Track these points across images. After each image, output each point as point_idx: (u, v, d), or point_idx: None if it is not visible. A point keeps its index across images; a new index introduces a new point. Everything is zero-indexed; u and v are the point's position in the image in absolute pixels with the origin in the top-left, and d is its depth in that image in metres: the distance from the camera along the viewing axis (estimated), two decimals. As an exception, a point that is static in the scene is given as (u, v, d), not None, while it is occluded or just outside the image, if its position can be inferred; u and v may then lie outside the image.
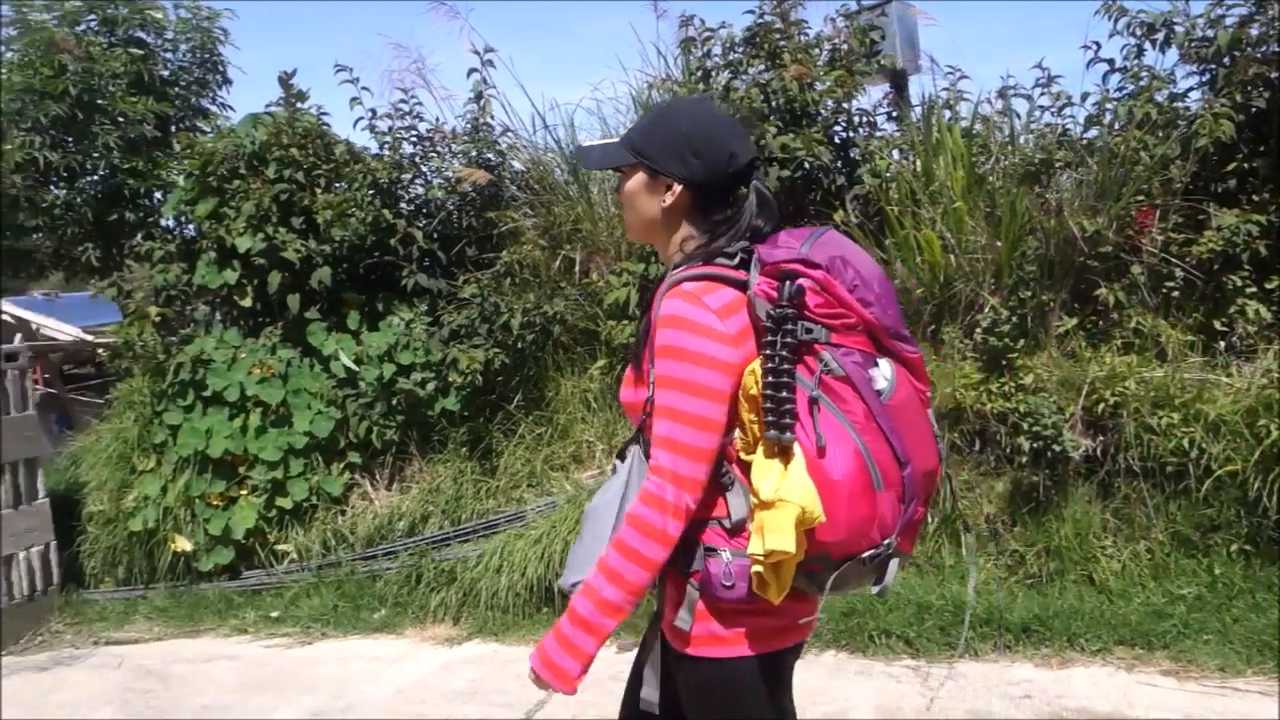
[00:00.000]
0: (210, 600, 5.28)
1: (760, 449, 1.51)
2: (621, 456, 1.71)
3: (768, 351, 1.49)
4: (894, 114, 5.72)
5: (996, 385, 4.54)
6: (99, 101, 7.02)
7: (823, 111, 5.28)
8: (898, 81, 5.71)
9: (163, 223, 6.77)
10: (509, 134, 5.96)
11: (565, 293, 5.51)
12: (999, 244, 4.83)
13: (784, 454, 1.49)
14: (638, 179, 1.70)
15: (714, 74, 5.46)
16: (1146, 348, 4.63)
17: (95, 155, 7.02)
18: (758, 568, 1.50)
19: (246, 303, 5.80)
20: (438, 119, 5.96)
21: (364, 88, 5.76)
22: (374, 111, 5.83)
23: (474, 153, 5.76)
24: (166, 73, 7.58)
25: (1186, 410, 4.33)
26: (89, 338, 9.52)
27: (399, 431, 5.50)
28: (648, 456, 1.60)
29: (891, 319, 1.58)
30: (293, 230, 5.65)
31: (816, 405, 1.49)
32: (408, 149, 5.85)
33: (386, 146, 5.80)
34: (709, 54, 5.51)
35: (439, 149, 5.84)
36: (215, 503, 5.41)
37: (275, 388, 5.48)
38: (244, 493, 5.43)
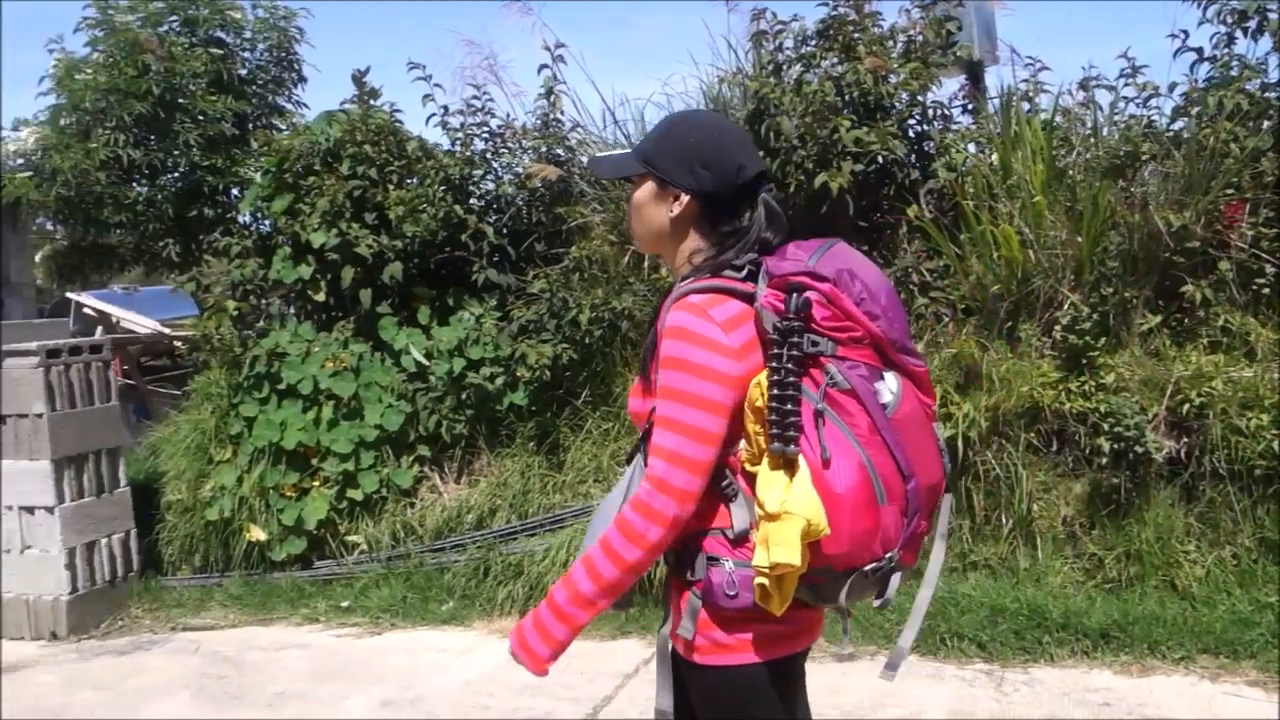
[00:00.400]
0: (283, 589, 5.36)
1: (765, 461, 1.51)
2: (629, 462, 1.74)
3: (773, 364, 1.49)
4: (969, 106, 5.60)
5: (1076, 384, 4.42)
6: (180, 100, 7.18)
7: (897, 104, 5.19)
8: (974, 73, 5.59)
9: (240, 219, 6.91)
10: (578, 129, 5.97)
11: (634, 288, 5.50)
12: (1080, 239, 4.70)
13: (789, 466, 1.49)
14: (647, 189, 1.71)
15: (785, 67, 5.40)
16: (1235, 346, 4.48)
17: (176, 153, 7.19)
18: (762, 580, 1.50)
19: (320, 297, 5.89)
20: (508, 115, 5.99)
21: (436, 85, 5.82)
22: (446, 108, 5.88)
23: (544, 148, 5.77)
24: (244, 71, 7.73)
25: (1277, 411, 4.17)
26: (166, 330, 9.76)
27: (468, 425, 5.54)
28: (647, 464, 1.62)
29: (898, 332, 1.58)
30: (365, 226, 5.72)
31: (821, 418, 1.50)
32: (479, 145, 5.89)
33: (458, 143, 5.84)
34: (781, 47, 5.45)
35: (509, 145, 5.86)
36: (288, 493, 5.51)
37: (347, 381, 5.56)
38: (316, 484, 5.52)
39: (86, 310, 11.08)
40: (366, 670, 4.38)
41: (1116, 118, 5.08)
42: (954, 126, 5.51)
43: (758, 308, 1.55)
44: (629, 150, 1.79)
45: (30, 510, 5.03)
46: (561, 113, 5.82)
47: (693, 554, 1.61)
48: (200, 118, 7.19)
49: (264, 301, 6.14)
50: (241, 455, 5.63)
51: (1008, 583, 4.35)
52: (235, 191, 7.41)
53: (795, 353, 1.49)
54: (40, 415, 4.94)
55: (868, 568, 1.52)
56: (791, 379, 1.48)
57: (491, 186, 5.96)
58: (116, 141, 6.96)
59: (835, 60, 5.27)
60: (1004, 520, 4.51)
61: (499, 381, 5.43)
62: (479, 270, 5.60)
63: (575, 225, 5.71)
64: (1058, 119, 5.20)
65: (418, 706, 3.98)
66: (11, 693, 4.37)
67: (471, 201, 5.86)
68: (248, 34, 7.81)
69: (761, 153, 5.15)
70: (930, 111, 5.43)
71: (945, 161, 5.06)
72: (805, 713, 1.79)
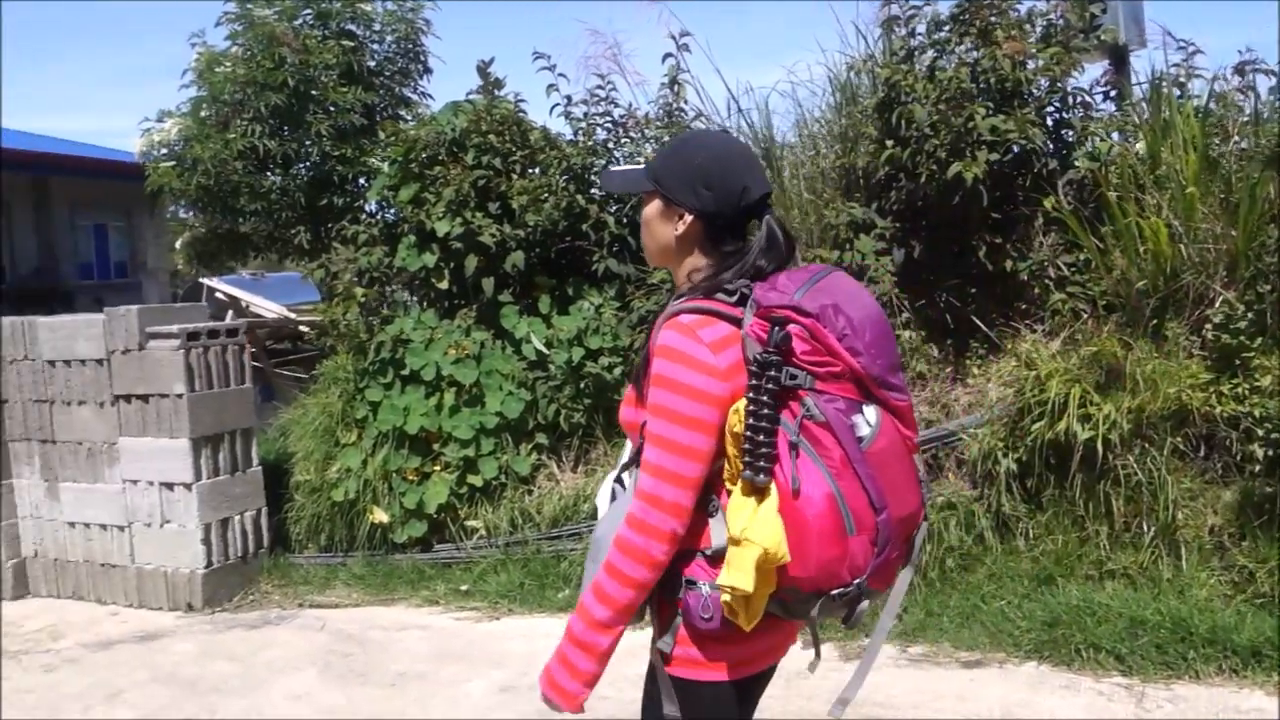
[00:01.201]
0: (404, 571, 5.47)
1: (739, 485, 1.55)
2: (620, 481, 1.79)
3: (750, 395, 1.53)
4: (1111, 93, 5.34)
5: (1228, 387, 4.17)
6: (312, 92, 7.40)
7: (1035, 91, 4.98)
8: (1118, 57, 5.33)
9: (367, 207, 7.08)
10: (701, 118, 5.91)
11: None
12: (1234, 233, 4.42)
13: (759, 493, 1.53)
14: (654, 206, 1.75)
15: (918, 54, 5.24)
16: (1407, 349, 4.15)
17: (308, 143, 7.41)
18: (726, 597, 1.55)
19: (443, 285, 5.98)
20: (630, 104, 5.97)
21: (561, 75, 5.84)
22: (569, 98, 5.89)
23: (666, 138, 5.73)
24: (373, 63, 7.92)
25: None
26: (291, 315, 10.08)
27: (586, 414, 5.55)
28: None
29: (880, 368, 1.59)
30: (489, 215, 5.78)
31: (796, 449, 1.53)
32: (601, 135, 5.88)
33: (580, 132, 5.85)
34: (913, 33, 5.28)
35: (631, 134, 5.85)
36: (410, 477, 5.61)
37: (469, 368, 5.63)
38: (437, 469, 5.61)
39: (218, 295, 11.54)
40: (485, 654, 4.42)
41: (1277, 104, 4.76)
42: (1095, 114, 5.26)
43: (743, 334, 1.58)
44: (641, 166, 1.82)
45: (170, 487, 5.24)
46: (685, 102, 5.77)
47: (675, 574, 1.64)
48: (331, 109, 7.40)
49: (389, 289, 6.26)
50: (366, 439, 5.76)
51: (1148, 593, 4.13)
52: (363, 181, 7.59)
53: (771, 386, 1.52)
54: (180, 396, 5.14)
55: (834, 592, 1.56)
56: (766, 411, 1.52)
57: None
58: (253, 132, 7.21)
59: (970, 46, 5.08)
60: (1145, 528, 4.28)
61: (617, 371, 5.42)
62: (599, 260, 5.60)
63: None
64: (1212, 105, 4.91)
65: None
66: (151, 660, 4.56)
67: (593, 191, 5.86)
68: (377, 26, 8.00)
69: (891, 142, 5.02)
70: (1070, 98, 5.20)
71: (1087, 150, 4.82)
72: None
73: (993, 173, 4.76)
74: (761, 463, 1.51)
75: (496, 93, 6.19)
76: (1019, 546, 4.46)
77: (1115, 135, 5.01)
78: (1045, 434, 4.32)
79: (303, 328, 9.39)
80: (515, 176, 5.86)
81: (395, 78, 8.00)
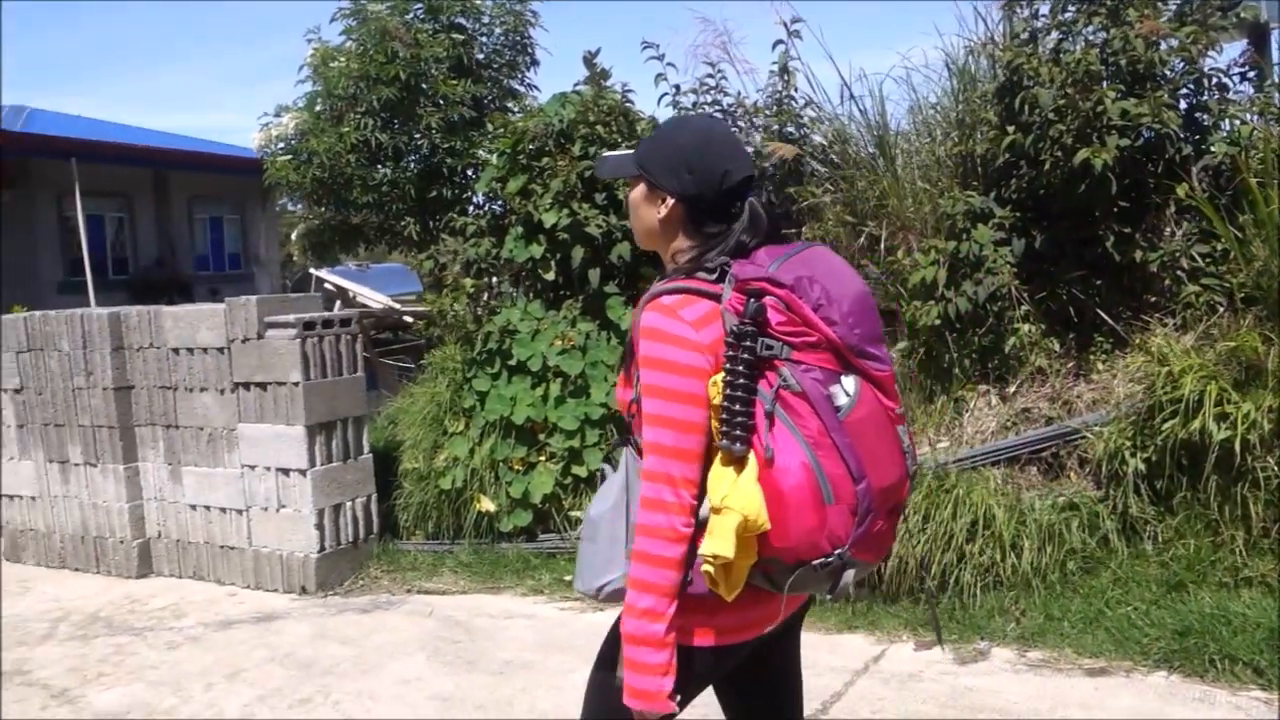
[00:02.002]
0: (509, 559, 5.51)
1: (719, 456, 1.59)
2: (609, 460, 1.86)
3: (727, 365, 1.56)
4: (1251, 73, 5.04)
5: (1382, 386, 3.90)
6: (423, 85, 7.50)
7: (1168, 73, 4.73)
8: (1259, 35, 5.03)
9: (475, 199, 7.14)
10: (812, 106, 5.79)
11: (866, 271, 5.29)
12: (1388, 221, 4.14)
13: (738, 463, 1.56)
14: (639, 190, 1.80)
15: (1041, 36, 5.03)
16: None
17: (418, 136, 7.52)
18: (707, 567, 1.57)
19: (550, 276, 5.99)
20: (739, 93, 5.89)
21: (669, 64, 5.79)
22: (678, 87, 5.84)
23: (775, 126, 5.64)
24: (482, 56, 8.00)
25: None
26: (396, 306, 10.27)
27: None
28: (639, 454, 1.71)
29: (858, 337, 1.61)
30: (595, 206, 5.77)
31: (772, 418, 1.56)
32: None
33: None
34: (1036, 14, 5.08)
35: (740, 123, 5.77)
36: (516, 467, 5.64)
37: (575, 359, 5.63)
38: (543, 459, 5.63)
39: (326, 285, 11.85)
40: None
41: None
42: (1232, 96, 4.98)
43: (722, 309, 1.62)
44: (630, 153, 1.86)
45: (285, 472, 5.37)
46: (795, 89, 5.66)
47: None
48: (441, 102, 7.49)
49: (496, 280, 6.31)
50: (473, 428, 5.81)
51: (1290, 603, 3.90)
52: (471, 173, 7.67)
53: (747, 356, 1.55)
54: (296, 384, 5.26)
55: (815, 562, 1.58)
56: (742, 381, 1.55)
57: None
58: (366, 125, 7.35)
59: (1097, 26, 4.86)
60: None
61: None
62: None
63: (806, 206, 5.55)
64: (1365, 85, 4.60)
65: None
66: (268, 640, 4.69)
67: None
68: (486, 19, 8.07)
69: (1012, 128, 4.84)
70: (1206, 80, 4.93)
71: (1225, 135, 4.57)
72: (749, 697, 1.97)
73: (1122, 159, 4.54)
74: (738, 432, 1.55)
75: (603, 83, 6.17)
76: (1147, 550, 4.26)
77: (1255, 118, 4.73)
78: (1178, 433, 4.11)
79: (406, 318, 9.56)
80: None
81: (503, 70, 8.06)
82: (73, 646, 4.76)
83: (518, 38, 8.13)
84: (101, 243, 16.76)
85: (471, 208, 6.91)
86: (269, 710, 3.93)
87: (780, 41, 5.62)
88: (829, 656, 4.10)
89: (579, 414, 5.56)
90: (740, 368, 1.55)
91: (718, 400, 1.58)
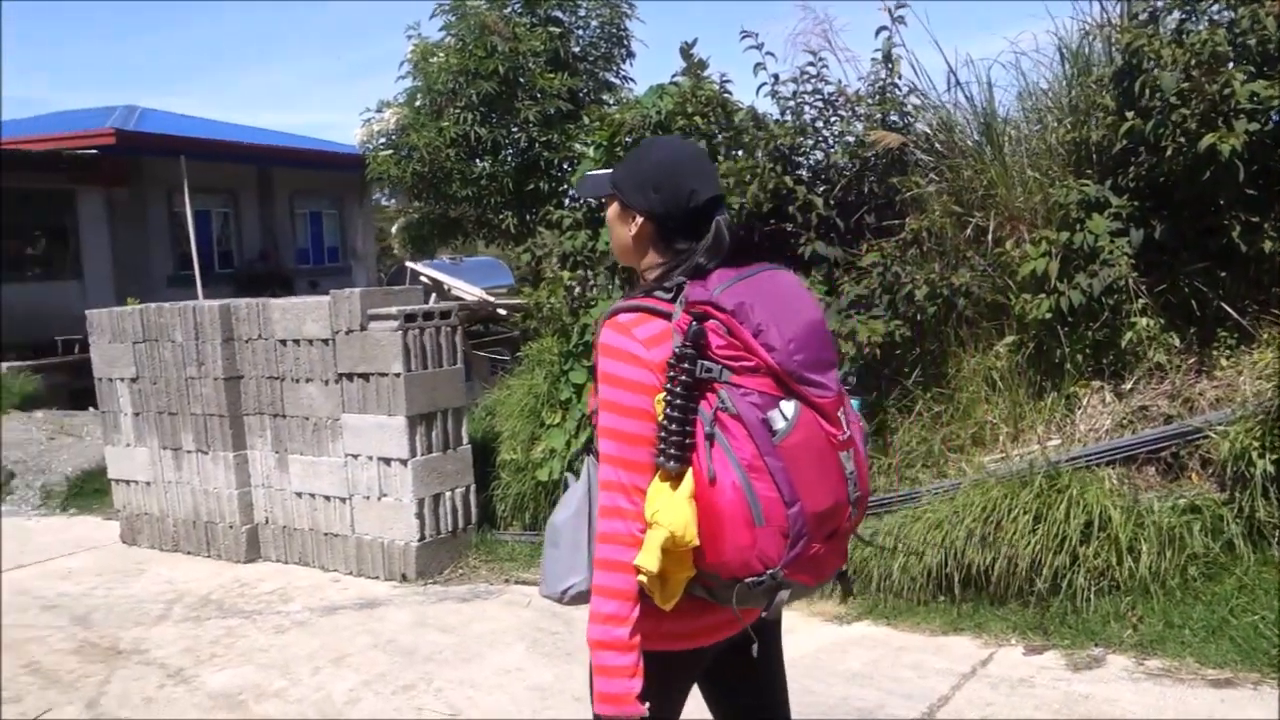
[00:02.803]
0: (606, 552, 5.50)
1: (658, 472, 1.65)
2: (571, 469, 1.94)
3: (666, 385, 1.62)
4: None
5: None
6: (521, 79, 7.54)
7: (1302, 52, 4.47)
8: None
9: (572, 192, 7.16)
10: (916, 94, 5.64)
11: (972, 263, 5.13)
12: None
13: (674, 480, 1.62)
14: (614, 208, 1.86)
15: (1162, 16, 4.81)
16: None
17: (515, 129, 7.57)
18: (641, 577, 1.63)
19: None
20: (840, 81, 5.77)
21: (768, 53, 5.70)
22: (776, 77, 5.74)
23: (878, 115, 5.51)
24: (578, 49, 8.01)
25: None
26: (490, 299, 10.36)
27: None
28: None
29: (798, 364, 1.63)
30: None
31: (711, 439, 1.61)
32: (809, 113, 5.71)
33: (788, 111, 5.70)
34: (1158, -7, 4.86)
35: (841, 112, 5.65)
36: (613, 459, 5.63)
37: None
38: (639, 452, 5.60)
39: (422, 278, 12.04)
40: None
41: None
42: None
43: (672, 329, 1.67)
44: (609, 172, 1.92)
45: (387, 462, 5.46)
46: (899, 77, 5.53)
47: None
48: (538, 95, 7.52)
49: (592, 272, 6.31)
50: (570, 420, 5.82)
51: None
52: (567, 166, 7.69)
53: (685, 378, 1.60)
54: (398, 375, 5.34)
55: (748, 580, 1.63)
56: (679, 401, 1.60)
57: (821, 156, 5.77)
58: (465, 120, 7.43)
59: (1223, 5, 4.62)
60: None
61: None
62: (806, 243, 5.44)
63: (910, 196, 5.41)
64: None
65: None
66: (371, 627, 4.77)
67: (799, 172, 5.70)
68: (582, 12, 8.08)
69: (1131, 113, 4.63)
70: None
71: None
72: (735, 696, 2.02)
73: (1250, 144, 4.31)
74: (672, 450, 1.61)
75: (700, 74, 6.11)
76: (1275, 556, 4.04)
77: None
78: (1311, 434, 3.89)
79: (500, 311, 9.65)
80: (720, 158, 5.77)
81: (599, 62, 8.07)
82: (186, 628, 4.91)
83: (614, 30, 8.13)
84: (208, 238, 17.33)
85: (568, 201, 6.93)
86: (374, 696, 4.00)
87: (884, 28, 5.48)
88: (934, 659, 4.00)
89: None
90: (678, 388, 1.60)
91: (661, 419, 1.64)
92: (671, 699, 1.86)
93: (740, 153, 5.81)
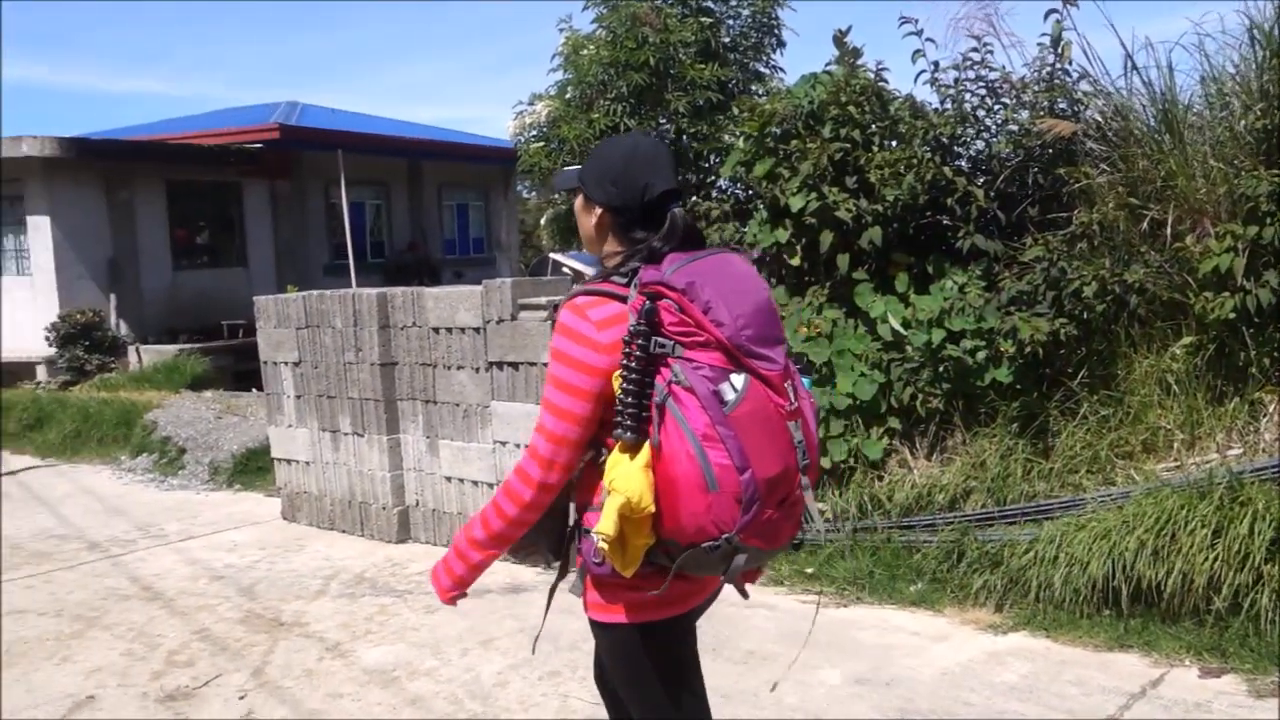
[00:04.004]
0: (749, 548, 5.43)
1: (617, 444, 1.74)
2: None
3: (623, 361, 1.73)
4: None
5: None
6: (671, 70, 7.52)
7: None
8: None
9: (720, 183, 7.11)
10: (1086, 79, 5.37)
11: (1147, 259, 4.85)
12: None
13: (631, 450, 1.72)
14: (579, 200, 2.01)
15: (1369, -6, 4.43)
16: None
17: (665, 121, 7.56)
18: (601, 544, 1.73)
19: (795, 262, 5.86)
20: (1004, 68, 5.53)
21: (928, 39, 5.52)
22: (936, 64, 5.56)
23: (1045, 103, 5.26)
24: (728, 39, 7.94)
25: None
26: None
27: (944, 400, 5.24)
28: None
29: (746, 338, 1.74)
30: (845, 190, 5.59)
31: (663, 410, 1.71)
32: (970, 102, 5.50)
33: (949, 100, 5.50)
34: (1364, -32, 4.48)
35: (1005, 100, 5.42)
36: (758, 454, 5.55)
37: (821, 347, 5.48)
38: (786, 448, 5.51)
39: (563, 269, 12.18)
40: (836, 642, 4.29)
41: None
42: None
43: (627, 310, 1.79)
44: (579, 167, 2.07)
45: (534, 449, 5.53)
46: (1069, 62, 5.26)
47: (579, 526, 1.94)
48: (688, 86, 7.48)
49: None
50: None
51: None
52: (715, 157, 7.64)
53: (640, 354, 1.71)
54: (546, 364, 5.39)
55: (704, 545, 1.73)
56: (634, 375, 1.71)
57: (982, 146, 5.56)
58: (615, 111, 7.46)
59: None
60: None
61: (981, 355, 5.06)
62: (964, 236, 5.25)
63: (1078, 188, 5.15)
64: None
65: (892, 690, 3.81)
66: (517, 611, 4.84)
67: (959, 163, 5.50)
68: (733, 1, 8.00)
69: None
70: None
71: None
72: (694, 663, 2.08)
73: None
74: (629, 422, 1.71)
75: (854, 62, 5.96)
76: None
77: None
78: None
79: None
80: (874, 149, 5.62)
81: (749, 52, 7.98)
82: (342, 603, 5.09)
83: (764, 19, 8.02)
84: (362, 228, 17.98)
85: (715, 192, 6.88)
86: (521, 680, 4.05)
87: (1053, 10, 5.23)
88: (1099, 675, 3.80)
89: (824, 404, 5.41)
90: (633, 364, 1.71)
91: (619, 392, 1.74)
92: (675, 667, 2.00)
93: (895, 143, 5.65)
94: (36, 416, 10.71)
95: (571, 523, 2.00)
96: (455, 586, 2.04)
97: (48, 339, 12.63)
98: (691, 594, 1.95)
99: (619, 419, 1.73)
